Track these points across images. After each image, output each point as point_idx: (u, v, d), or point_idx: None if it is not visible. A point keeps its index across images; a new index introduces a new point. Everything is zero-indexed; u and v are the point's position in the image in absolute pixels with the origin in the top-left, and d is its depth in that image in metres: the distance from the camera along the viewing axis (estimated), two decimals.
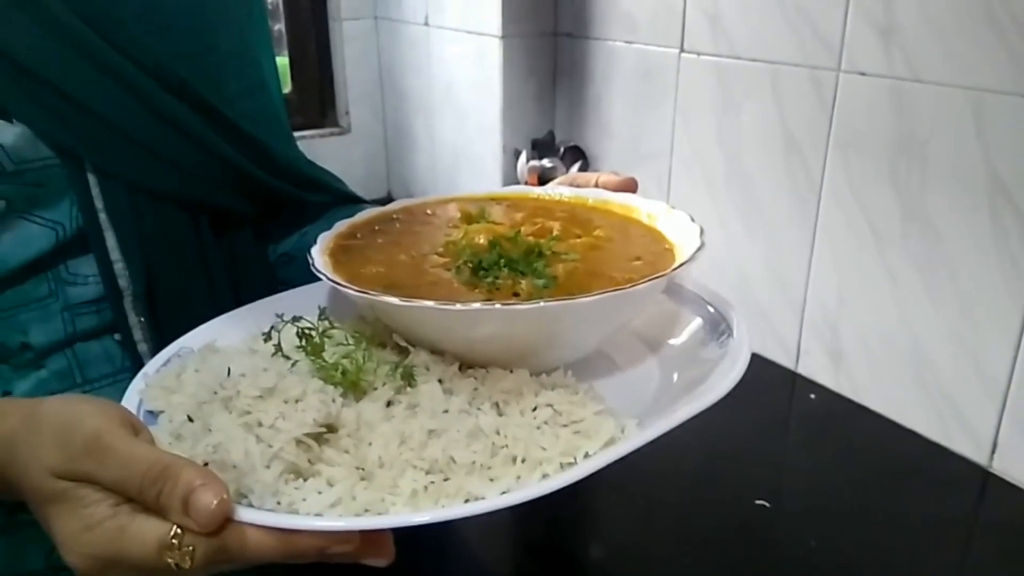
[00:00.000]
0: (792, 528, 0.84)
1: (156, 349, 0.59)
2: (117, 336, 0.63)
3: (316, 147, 1.70)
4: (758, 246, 1.11)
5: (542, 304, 0.44)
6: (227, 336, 0.55)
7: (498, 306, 0.44)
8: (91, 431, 0.41)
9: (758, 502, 0.86)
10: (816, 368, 1.08)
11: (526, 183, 1.41)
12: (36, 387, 0.60)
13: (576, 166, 1.38)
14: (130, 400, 0.49)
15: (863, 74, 0.94)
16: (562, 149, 1.41)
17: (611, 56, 1.31)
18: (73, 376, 0.62)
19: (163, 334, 0.61)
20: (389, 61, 1.79)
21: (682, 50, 1.17)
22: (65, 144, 0.58)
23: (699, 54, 1.14)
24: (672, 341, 0.55)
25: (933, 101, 0.88)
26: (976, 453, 0.91)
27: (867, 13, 0.92)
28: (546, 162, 1.39)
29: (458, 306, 0.44)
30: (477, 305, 0.45)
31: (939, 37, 0.86)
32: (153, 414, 0.48)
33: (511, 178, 1.48)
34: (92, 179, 0.59)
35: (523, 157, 1.43)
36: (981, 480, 0.89)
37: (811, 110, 1.01)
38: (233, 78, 0.66)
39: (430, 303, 0.45)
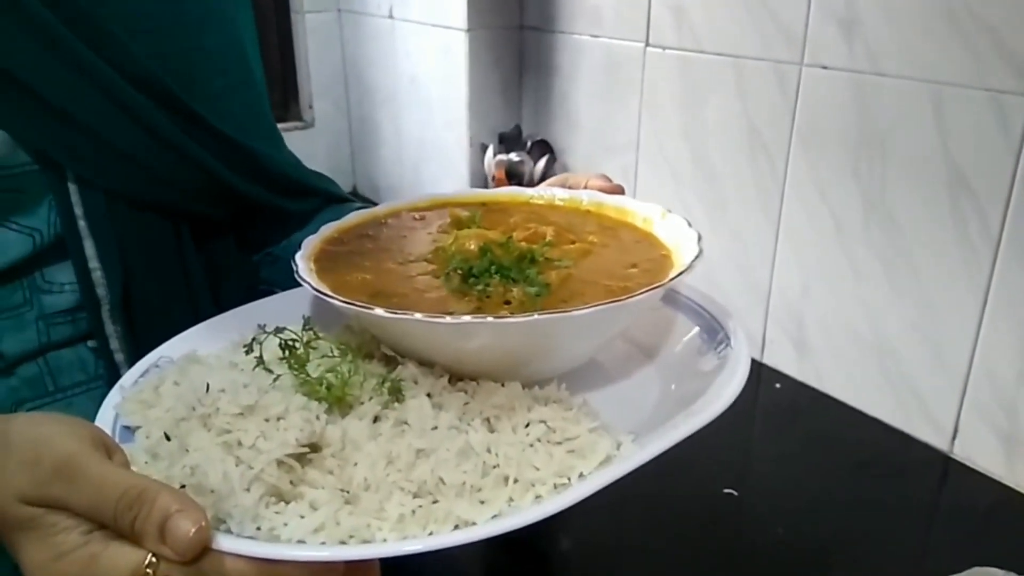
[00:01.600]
0: (760, 516, 0.85)
1: (133, 358, 0.58)
2: (91, 343, 0.62)
3: None
4: (723, 238, 1.13)
5: (535, 317, 0.42)
6: (208, 345, 0.53)
7: (489, 319, 0.43)
8: (62, 454, 0.39)
9: (726, 491, 0.87)
10: (781, 358, 1.10)
11: (493, 177, 1.41)
12: (6, 395, 0.59)
13: (543, 160, 1.38)
14: (105, 415, 0.47)
15: (825, 68, 0.96)
16: (529, 143, 1.41)
17: (577, 50, 1.31)
18: (45, 384, 0.60)
19: (140, 343, 0.60)
20: (353, 54, 1.77)
21: (647, 44, 1.17)
22: (45, 151, 0.56)
23: (664, 48, 1.15)
24: (669, 350, 0.54)
25: (894, 94, 0.89)
26: (938, 439, 0.93)
27: (829, 7, 0.93)
28: (513, 156, 1.39)
29: (448, 319, 0.43)
30: (467, 318, 0.43)
31: (899, 31, 0.87)
32: (130, 429, 0.46)
33: (478, 172, 1.47)
34: (72, 187, 0.57)
35: (490, 151, 1.43)
36: (943, 466, 0.92)
37: (774, 104, 1.02)
38: (220, 74, 0.64)
39: (418, 315, 0.43)
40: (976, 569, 0.68)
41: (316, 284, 0.48)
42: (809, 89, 0.98)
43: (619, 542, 0.82)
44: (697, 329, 0.54)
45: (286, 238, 0.72)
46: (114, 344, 0.61)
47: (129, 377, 0.51)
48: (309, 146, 1.77)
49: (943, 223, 0.87)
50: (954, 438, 0.92)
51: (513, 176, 1.37)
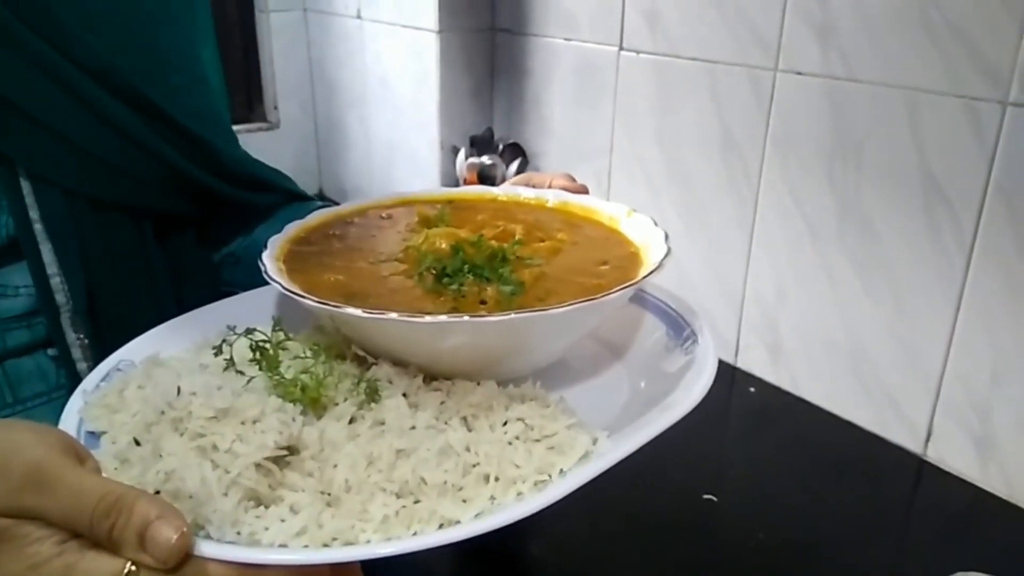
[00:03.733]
0: (740, 522, 0.84)
1: (95, 366, 0.56)
2: (51, 351, 0.59)
3: (244, 143, 1.65)
4: (697, 243, 1.13)
5: (513, 315, 0.42)
6: (170, 347, 0.51)
7: (467, 318, 0.42)
8: (32, 462, 0.38)
9: (705, 497, 0.87)
10: (755, 362, 1.10)
11: (465, 180, 1.39)
12: None
13: (516, 163, 1.37)
14: (69, 420, 0.45)
15: (800, 73, 0.96)
16: (501, 146, 1.40)
17: (550, 53, 1.30)
18: (3, 395, 0.58)
19: (103, 350, 0.58)
20: (319, 54, 1.75)
21: (621, 48, 1.17)
22: None
23: (638, 52, 1.14)
24: (637, 348, 0.54)
25: (868, 101, 0.90)
26: (912, 442, 0.93)
27: (804, 13, 0.93)
28: (485, 159, 1.38)
29: (427, 318, 0.42)
30: (444, 317, 0.43)
31: (874, 38, 0.88)
32: (95, 435, 0.44)
33: (449, 175, 1.46)
34: (26, 185, 0.55)
35: (462, 154, 1.41)
36: (916, 468, 0.92)
37: (749, 109, 1.02)
38: (175, 72, 0.63)
39: (395, 315, 0.42)
40: (959, 574, 0.68)
41: (287, 284, 0.47)
42: (783, 95, 0.98)
43: (599, 551, 0.81)
44: (664, 327, 0.54)
45: (248, 234, 0.71)
46: (76, 353, 0.58)
47: (90, 381, 0.49)
48: (274, 148, 1.74)
49: (917, 229, 0.88)
50: (928, 441, 0.92)
51: (485, 179, 1.36)
